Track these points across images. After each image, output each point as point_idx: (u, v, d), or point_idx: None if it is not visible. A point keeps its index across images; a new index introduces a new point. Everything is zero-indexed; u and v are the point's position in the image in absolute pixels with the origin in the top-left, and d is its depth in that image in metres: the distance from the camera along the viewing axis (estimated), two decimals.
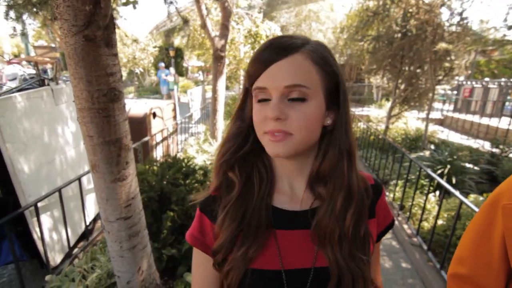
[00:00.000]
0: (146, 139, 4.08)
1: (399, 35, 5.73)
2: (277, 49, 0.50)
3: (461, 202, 2.29)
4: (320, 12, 14.37)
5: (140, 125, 4.31)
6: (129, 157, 1.61)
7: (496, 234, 0.57)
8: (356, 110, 11.11)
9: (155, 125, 4.85)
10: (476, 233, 0.62)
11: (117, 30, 1.43)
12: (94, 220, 3.42)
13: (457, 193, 2.39)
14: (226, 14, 3.92)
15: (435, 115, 11.80)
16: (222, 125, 4.45)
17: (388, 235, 3.40)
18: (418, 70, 6.17)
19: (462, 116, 10.92)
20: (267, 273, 0.54)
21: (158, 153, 4.74)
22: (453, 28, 4.70)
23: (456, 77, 7.11)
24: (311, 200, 0.58)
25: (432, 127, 8.29)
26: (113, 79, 1.40)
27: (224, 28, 4.00)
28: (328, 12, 16.24)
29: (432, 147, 5.55)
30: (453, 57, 4.79)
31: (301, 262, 0.56)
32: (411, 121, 8.60)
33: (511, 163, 4.49)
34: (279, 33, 6.75)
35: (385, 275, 2.71)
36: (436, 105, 14.25)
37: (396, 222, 3.51)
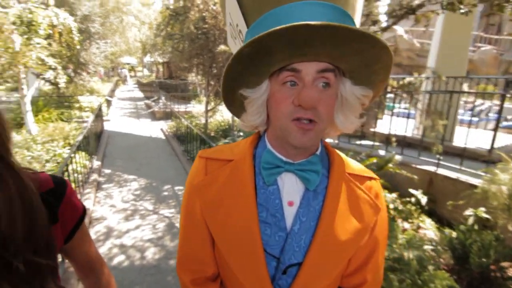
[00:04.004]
0: None
1: (202, 36, 6.33)
2: None
3: None
4: (129, 5, 13.52)
5: None
6: None
7: (197, 210, 0.66)
8: (181, 107, 11.44)
9: None
10: (185, 217, 0.69)
11: None
12: None
13: None
14: None
15: None
16: None
17: None
18: (223, 69, 7.06)
19: None
20: None
21: None
22: None
23: None
24: None
25: None
26: None
27: None
28: (141, 7, 15.57)
29: (241, 133, 6.61)
30: None
31: None
32: (228, 113, 9.85)
33: None
34: (72, 23, 5.80)
35: None
36: None
37: None
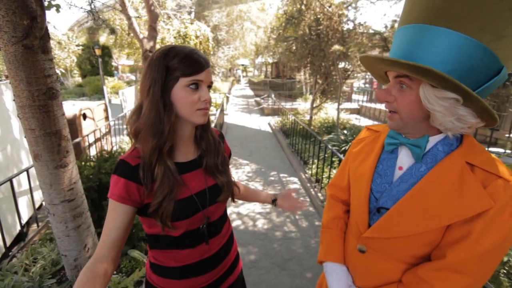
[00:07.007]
0: (77, 140, 4.09)
1: (314, 36, 6.68)
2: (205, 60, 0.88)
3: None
4: (250, 12, 15.09)
5: (69, 127, 4.27)
6: (69, 146, 1.87)
7: (347, 158, 1.04)
8: (286, 104, 12.14)
9: (86, 126, 4.81)
10: (341, 165, 1.10)
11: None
12: (28, 223, 3.38)
13: None
14: (153, 16, 4.17)
15: (353, 105, 13.62)
16: None
17: (306, 203, 4.13)
18: (332, 67, 7.25)
19: (374, 106, 12.87)
20: (185, 200, 0.92)
21: (91, 155, 4.73)
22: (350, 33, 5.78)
23: (361, 74, 8.49)
24: (196, 151, 1.01)
25: (348, 116, 9.67)
26: (50, 80, 1.66)
27: (152, 29, 4.24)
28: (258, 13, 17.11)
29: (345, 131, 6.64)
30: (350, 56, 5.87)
31: (199, 186, 0.97)
32: (332, 111, 9.90)
33: None
34: (209, 34, 7.15)
35: (301, 231, 3.40)
36: (356, 96, 16.39)
37: (313, 192, 4.29)
